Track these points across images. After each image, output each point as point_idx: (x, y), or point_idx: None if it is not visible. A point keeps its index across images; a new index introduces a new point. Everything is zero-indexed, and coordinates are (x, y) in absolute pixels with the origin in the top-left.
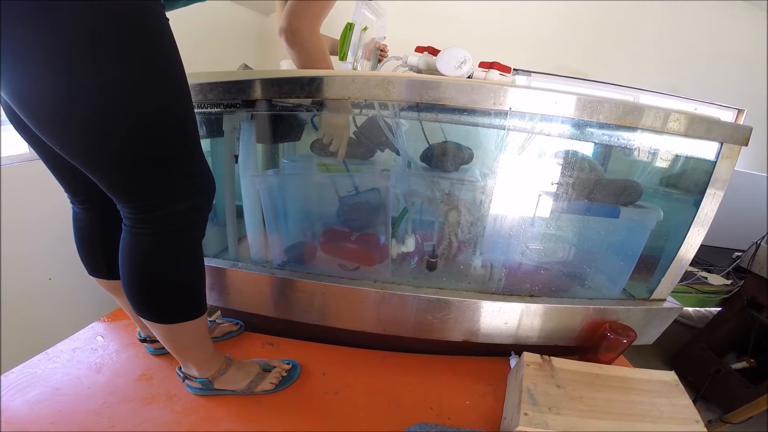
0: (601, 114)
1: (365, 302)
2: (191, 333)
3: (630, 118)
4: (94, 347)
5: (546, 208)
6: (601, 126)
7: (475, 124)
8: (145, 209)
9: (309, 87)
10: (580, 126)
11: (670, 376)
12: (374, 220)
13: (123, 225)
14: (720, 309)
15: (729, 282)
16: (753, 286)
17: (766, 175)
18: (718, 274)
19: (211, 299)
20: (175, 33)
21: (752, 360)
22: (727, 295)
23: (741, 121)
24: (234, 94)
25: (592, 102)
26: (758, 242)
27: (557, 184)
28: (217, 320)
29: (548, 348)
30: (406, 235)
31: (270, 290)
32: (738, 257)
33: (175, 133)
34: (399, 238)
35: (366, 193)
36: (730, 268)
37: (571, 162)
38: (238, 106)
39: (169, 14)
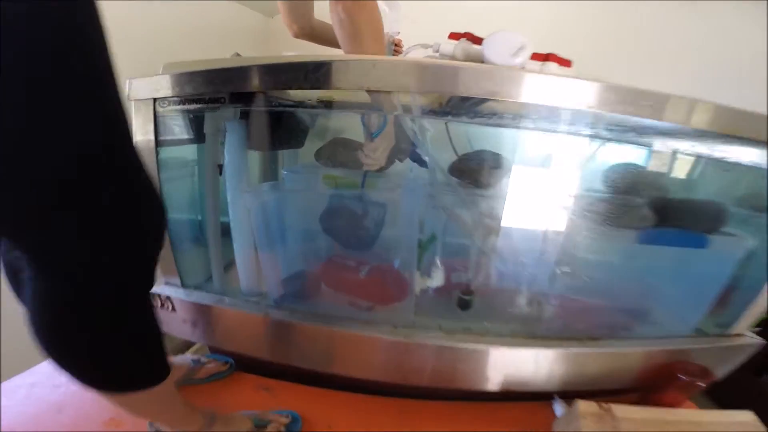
0: (717, 123)
1: (382, 351)
2: (148, 403)
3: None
4: (57, 384)
5: (611, 235)
6: (699, 135)
7: (518, 127)
8: (41, 250)
9: (315, 75)
10: (675, 134)
11: (749, 417)
12: (390, 244)
13: (24, 277)
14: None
15: None
16: None
17: None
18: None
19: (194, 336)
20: (176, 34)
21: None
22: None
23: None
24: (218, 85)
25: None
26: None
27: (625, 207)
28: (201, 359)
29: (598, 390)
30: (433, 266)
31: (263, 332)
32: None
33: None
34: (424, 270)
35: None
36: None
37: (648, 180)
38: (223, 101)
39: (171, 15)
